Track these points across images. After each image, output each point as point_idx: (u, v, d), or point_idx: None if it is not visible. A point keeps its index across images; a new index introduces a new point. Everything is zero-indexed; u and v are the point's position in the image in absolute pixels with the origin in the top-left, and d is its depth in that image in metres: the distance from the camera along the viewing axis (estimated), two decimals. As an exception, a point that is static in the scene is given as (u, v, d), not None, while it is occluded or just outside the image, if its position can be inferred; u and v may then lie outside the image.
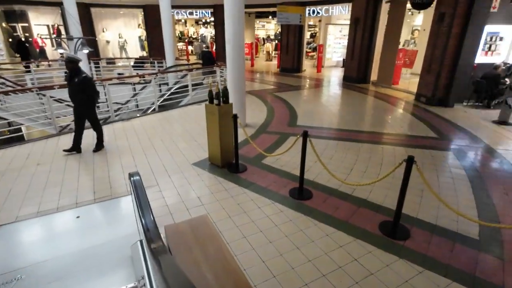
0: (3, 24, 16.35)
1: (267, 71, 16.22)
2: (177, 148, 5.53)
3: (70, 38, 9.64)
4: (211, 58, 11.83)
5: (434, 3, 8.42)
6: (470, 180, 4.41)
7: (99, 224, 2.80)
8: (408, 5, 10.60)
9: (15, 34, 16.73)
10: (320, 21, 17.79)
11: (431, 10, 13.29)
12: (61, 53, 14.54)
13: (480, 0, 7.51)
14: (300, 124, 6.99)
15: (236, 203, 3.77)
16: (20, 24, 16.60)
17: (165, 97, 9.44)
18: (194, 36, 25.57)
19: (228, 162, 4.81)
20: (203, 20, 25.89)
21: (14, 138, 7.09)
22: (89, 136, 6.00)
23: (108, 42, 18.15)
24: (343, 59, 16.87)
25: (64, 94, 10.88)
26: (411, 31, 15.91)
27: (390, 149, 5.56)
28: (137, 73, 10.71)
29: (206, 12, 17.38)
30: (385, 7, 11.29)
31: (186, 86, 9.61)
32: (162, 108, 8.70)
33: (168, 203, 3.74)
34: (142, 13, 17.72)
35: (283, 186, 4.20)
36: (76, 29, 9.96)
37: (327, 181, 4.33)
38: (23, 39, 15.75)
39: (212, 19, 20.32)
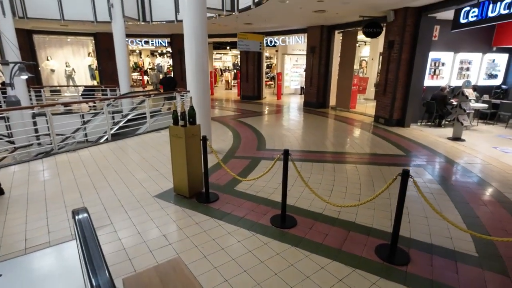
0: None
1: (228, 99, 16.07)
2: (134, 179, 4.80)
3: (5, 63, 8.53)
4: (173, 84, 11.32)
5: (383, 31, 9.08)
6: (448, 194, 4.36)
7: (31, 282, 2.07)
8: (359, 36, 11.40)
9: None
10: (277, 51, 18.48)
11: (375, 42, 14.58)
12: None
13: (424, 29, 8.23)
14: (270, 147, 6.67)
15: (211, 238, 3.18)
16: None
17: (120, 124, 8.60)
18: (150, 67, 24.99)
19: (196, 192, 4.22)
20: (159, 51, 25.64)
21: None
22: (21, 172, 5.00)
23: (53, 71, 16.71)
24: (301, 87, 17.51)
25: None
26: (359, 62, 17.18)
27: (364, 168, 5.44)
28: (87, 100, 9.73)
29: (162, 42, 17.06)
30: (338, 37, 12.01)
31: (143, 114, 8.92)
32: (116, 137, 7.84)
33: (126, 245, 3.02)
34: (93, 41, 16.82)
35: (262, 214, 3.71)
36: (14, 54, 8.88)
37: (309, 205, 3.95)
38: None
39: (169, 49, 20.20)
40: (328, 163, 5.70)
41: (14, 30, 9.87)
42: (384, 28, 9.07)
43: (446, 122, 9.24)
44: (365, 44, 16.91)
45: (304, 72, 15.40)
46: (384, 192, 3.13)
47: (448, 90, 9.09)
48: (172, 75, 15.70)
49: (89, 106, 11.96)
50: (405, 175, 2.65)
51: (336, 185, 4.64)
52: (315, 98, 12.69)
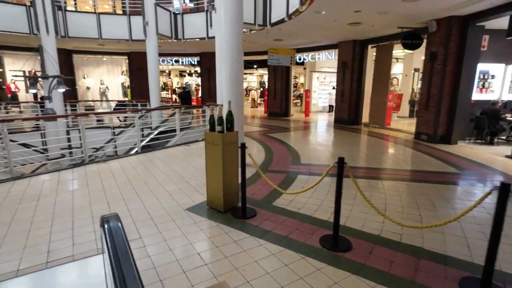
0: (-26, 69, 15.48)
1: (254, 116, 15.88)
2: (165, 191, 4.48)
3: (45, 77, 8.85)
4: (189, 97, 11.93)
5: (424, 43, 8.55)
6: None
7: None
8: (396, 49, 10.92)
9: (-14, 80, 15.78)
10: (304, 68, 18.30)
11: (409, 57, 13.98)
12: (33, 93, 13.58)
13: (471, 39, 7.63)
14: (305, 162, 6.20)
15: (253, 259, 2.72)
16: (-8, 70, 15.76)
17: (150, 136, 8.51)
18: (178, 86, 25.71)
19: (232, 206, 3.81)
20: (187, 71, 26.42)
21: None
22: (51, 181, 4.86)
23: (88, 88, 17.49)
24: (329, 105, 17.03)
25: (32, 138, 9.72)
26: (391, 79, 16.54)
27: (417, 186, 4.79)
28: (120, 112, 9.84)
29: (192, 60, 17.45)
30: (371, 51, 11.58)
31: (172, 127, 8.82)
32: (146, 149, 7.70)
33: (156, 264, 2.63)
34: (127, 60, 17.54)
35: (309, 233, 3.21)
36: (53, 69, 9.23)
37: (363, 226, 3.40)
38: None
39: (196, 69, 20.71)
40: (374, 179, 5.11)
41: (55, 47, 10.36)
42: (424, 40, 8.55)
43: (500, 140, 8.33)
44: (397, 61, 16.31)
45: (333, 90, 14.98)
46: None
47: (500, 104, 8.27)
48: (188, 90, 16.18)
49: (120, 121, 12.17)
50: (506, 189, 2.09)
51: (389, 204, 4.05)
52: (346, 114, 12.14)
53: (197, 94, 20.74)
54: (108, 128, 11.23)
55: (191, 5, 14.03)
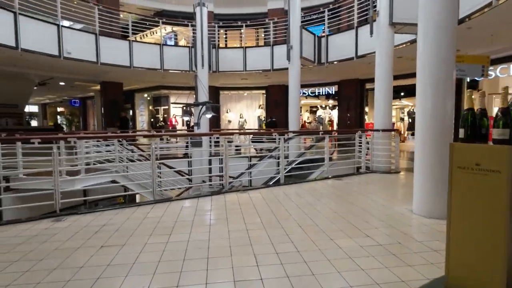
0: (150, 107, 19.07)
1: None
2: (337, 248, 2.73)
3: (196, 104, 9.21)
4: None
5: None
6: None
7: None
8: None
9: (156, 115, 19.14)
10: (478, 90, 13.97)
11: None
12: (187, 121, 15.13)
13: None
14: None
15: None
16: (162, 107, 19.03)
17: (296, 162, 7.26)
18: (308, 121, 25.16)
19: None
20: (318, 106, 25.68)
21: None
22: (189, 209, 3.96)
23: (229, 121, 18.83)
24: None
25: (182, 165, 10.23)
26: None
27: None
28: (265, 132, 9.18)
29: (329, 89, 16.26)
30: None
31: (313, 158, 7.31)
32: (287, 179, 6.38)
33: None
34: (264, 94, 18.05)
35: None
36: (203, 95, 9.62)
37: None
38: (124, 115, 17.12)
39: (329, 102, 19.46)
40: None
41: (207, 79, 11.14)
42: None
43: None
44: None
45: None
46: None
47: None
48: (274, 119, 15.21)
49: (256, 151, 11.76)
50: None
51: None
52: None
53: (332, 127, 19.26)
54: (245, 158, 10.90)
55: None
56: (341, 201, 4.49)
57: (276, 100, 17.07)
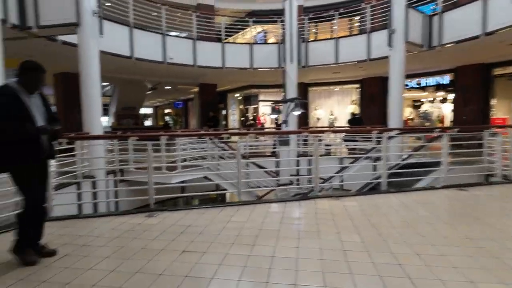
0: (240, 106, 19.81)
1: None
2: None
3: (284, 101, 8.86)
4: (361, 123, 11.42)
5: None
6: None
7: None
8: None
9: (246, 114, 19.76)
10: None
11: None
12: (275, 119, 15.03)
13: None
14: None
15: None
16: (252, 106, 19.51)
17: (399, 165, 6.15)
18: (410, 117, 21.96)
19: None
20: (422, 100, 22.14)
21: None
22: (275, 215, 3.56)
23: (318, 119, 17.91)
24: None
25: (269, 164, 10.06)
26: None
27: None
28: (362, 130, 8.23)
29: (441, 79, 13.62)
30: None
31: (420, 162, 5.98)
32: (388, 187, 5.35)
33: None
34: (358, 88, 16.48)
35: None
36: (292, 92, 9.19)
37: None
38: (212, 114, 17.41)
39: (439, 94, 16.31)
40: None
41: (296, 74, 10.63)
42: None
43: None
44: None
45: None
46: None
47: None
48: (359, 116, 13.55)
49: (349, 150, 10.69)
50: None
51: None
52: None
53: (442, 123, 16.22)
54: (336, 158, 10.01)
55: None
56: (473, 221, 3.37)
57: (372, 94, 15.38)
